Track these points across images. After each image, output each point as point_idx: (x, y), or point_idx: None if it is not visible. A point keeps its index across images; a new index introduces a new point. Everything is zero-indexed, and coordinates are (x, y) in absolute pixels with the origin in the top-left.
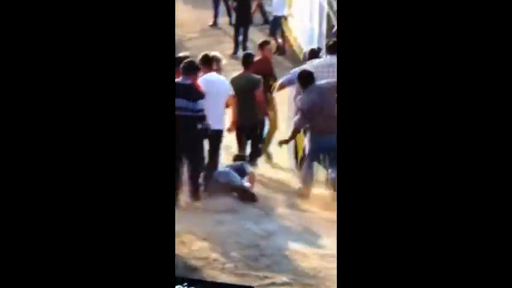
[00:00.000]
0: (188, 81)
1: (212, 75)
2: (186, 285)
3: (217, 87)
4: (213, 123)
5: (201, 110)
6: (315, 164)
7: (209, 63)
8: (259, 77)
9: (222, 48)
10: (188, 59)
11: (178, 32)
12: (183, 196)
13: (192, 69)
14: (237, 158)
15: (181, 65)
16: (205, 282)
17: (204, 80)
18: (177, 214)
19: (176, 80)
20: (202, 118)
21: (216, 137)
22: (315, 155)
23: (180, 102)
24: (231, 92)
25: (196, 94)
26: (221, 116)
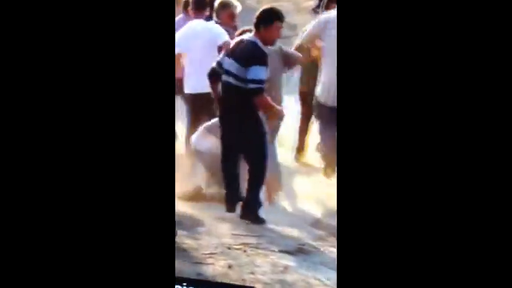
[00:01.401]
0: (253, 39)
1: (199, 23)
2: (185, 285)
3: (197, 40)
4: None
5: (254, 81)
6: None
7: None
8: None
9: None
10: (267, 7)
11: None
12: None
13: (267, 22)
14: None
15: (256, 15)
16: (206, 282)
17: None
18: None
19: (239, 35)
20: (254, 92)
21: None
22: None
23: (228, 63)
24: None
25: (252, 58)
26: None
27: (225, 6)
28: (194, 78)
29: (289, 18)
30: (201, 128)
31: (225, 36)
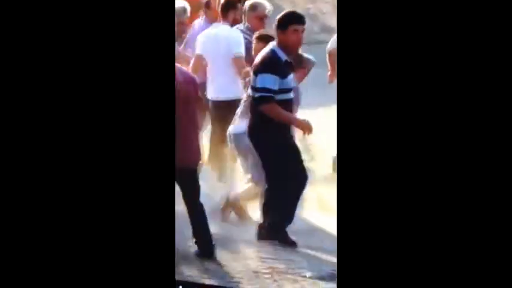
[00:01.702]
0: (273, 47)
1: (222, 29)
2: None
3: (218, 46)
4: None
5: (259, 89)
6: None
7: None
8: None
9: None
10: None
11: None
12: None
13: (282, 26)
14: None
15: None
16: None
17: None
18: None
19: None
20: (259, 101)
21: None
22: None
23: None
24: (237, 52)
25: (261, 66)
26: (227, 86)
27: (254, 9)
28: (212, 84)
29: (327, 21)
30: (236, 117)
31: (241, 48)
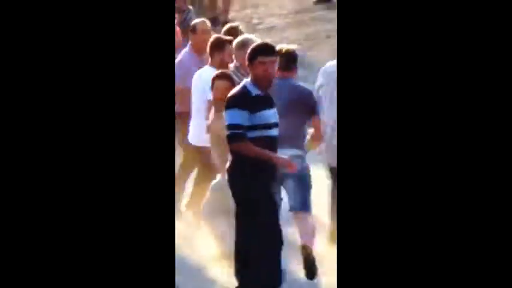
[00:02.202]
0: (245, 82)
1: (207, 71)
2: None
3: (202, 87)
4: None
5: (227, 126)
6: None
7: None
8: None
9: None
10: (257, 43)
11: (251, 14)
12: None
13: (250, 59)
14: None
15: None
16: None
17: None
18: None
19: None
20: (229, 140)
21: None
22: None
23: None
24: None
25: (229, 101)
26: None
27: (243, 46)
28: (192, 128)
29: None
30: None
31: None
